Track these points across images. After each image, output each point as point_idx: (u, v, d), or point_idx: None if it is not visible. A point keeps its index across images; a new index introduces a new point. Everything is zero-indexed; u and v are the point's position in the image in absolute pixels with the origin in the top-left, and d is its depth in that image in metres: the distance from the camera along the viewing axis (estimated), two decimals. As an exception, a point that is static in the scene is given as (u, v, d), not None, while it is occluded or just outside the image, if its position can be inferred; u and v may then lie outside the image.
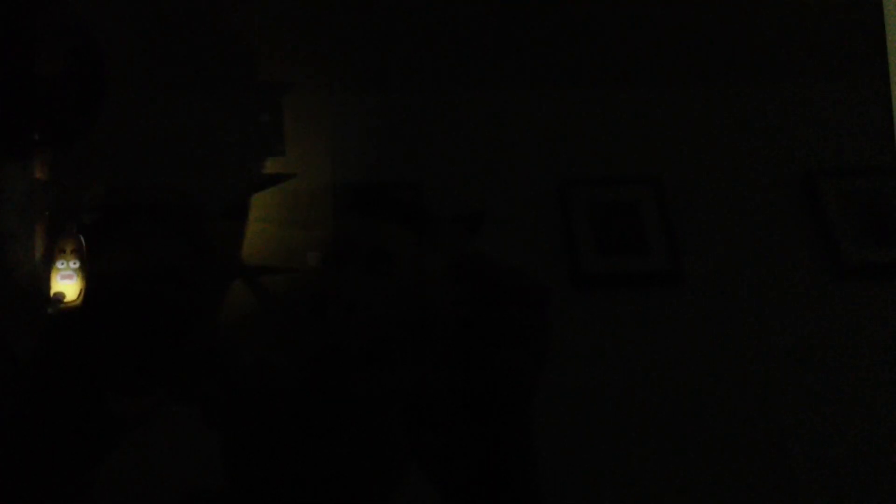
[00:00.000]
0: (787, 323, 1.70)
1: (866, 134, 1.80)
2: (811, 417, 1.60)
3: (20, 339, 0.84)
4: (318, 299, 0.42)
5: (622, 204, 1.80)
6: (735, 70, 1.80)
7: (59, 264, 0.47)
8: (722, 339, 1.71)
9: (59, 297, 0.45)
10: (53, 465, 0.46)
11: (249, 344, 0.42)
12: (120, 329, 0.42)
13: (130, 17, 1.59)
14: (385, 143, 1.80)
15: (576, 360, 1.68)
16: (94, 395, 0.44)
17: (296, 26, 1.69)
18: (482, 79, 1.82)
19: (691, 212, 1.79)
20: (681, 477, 1.58)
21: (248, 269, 0.46)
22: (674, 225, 1.81)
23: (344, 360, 0.42)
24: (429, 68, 1.79)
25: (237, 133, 1.78)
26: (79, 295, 0.45)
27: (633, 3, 1.71)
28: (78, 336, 0.43)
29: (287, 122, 1.79)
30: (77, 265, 0.46)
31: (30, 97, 0.81)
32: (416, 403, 0.43)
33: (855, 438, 1.56)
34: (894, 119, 1.54)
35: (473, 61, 1.81)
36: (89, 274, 0.43)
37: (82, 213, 0.44)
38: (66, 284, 0.46)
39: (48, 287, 0.49)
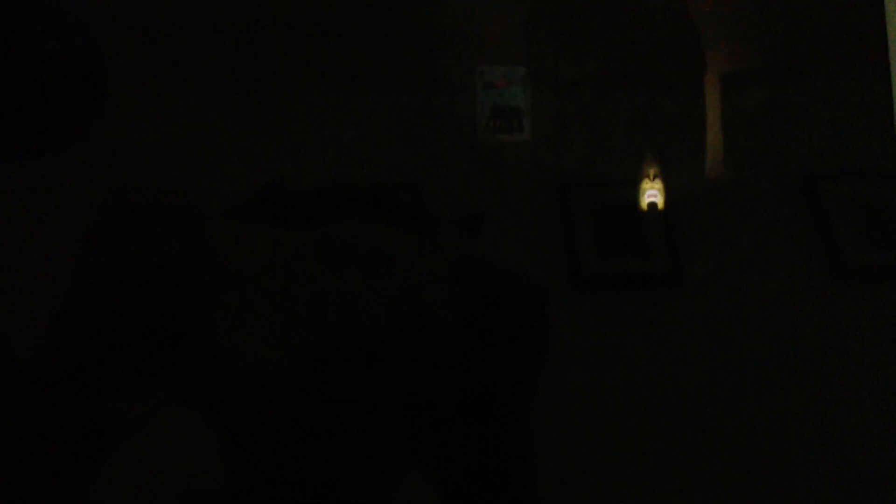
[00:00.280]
0: (788, 324, 1.70)
1: (867, 137, 1.80)
2: (812, 418, 1.60)
3: (20, 339, 0.84)
4: (317, 300, 0.42)
5: (622, 206, 1.80)
6: (736, 73, 1.80)
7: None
8: (722, 341, 1.71)
9: None
10: (53, 465, 0.46)
11: (249, 344, 0.42)
12: (120, 330, 0.42)
13: (131, 17, 1.60)
14: (385, 144, 1.80)
15: (576, 361, 1.68)
16: (93, 396, 0.44)
17: (295, 26, 1.69)
18: (482, 79, 1.82)
19: (692, 214, 1.79)
20: (681, 477, 1.59)
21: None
22: (674, 227, 1.81)
23: (343, 361, 0.42)
24: (428, 67, 1.79)
25: (238, 134, 1.78)
26: None
27: (634, 3, 1.71)
28: (78, 336, 0.43)
29: (288, 123, 1.79)
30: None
31: (30, 97, 0.81)
32: (416, 404, 0.43)
33: (856, 439, 1.56)
34: (895, 122, 1.53)
35: (473, 61, 1.81)
36: (90, 275, 0.43)
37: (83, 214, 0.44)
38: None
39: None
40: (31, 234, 1.61)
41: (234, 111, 1.80)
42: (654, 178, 1.71)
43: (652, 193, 1.71)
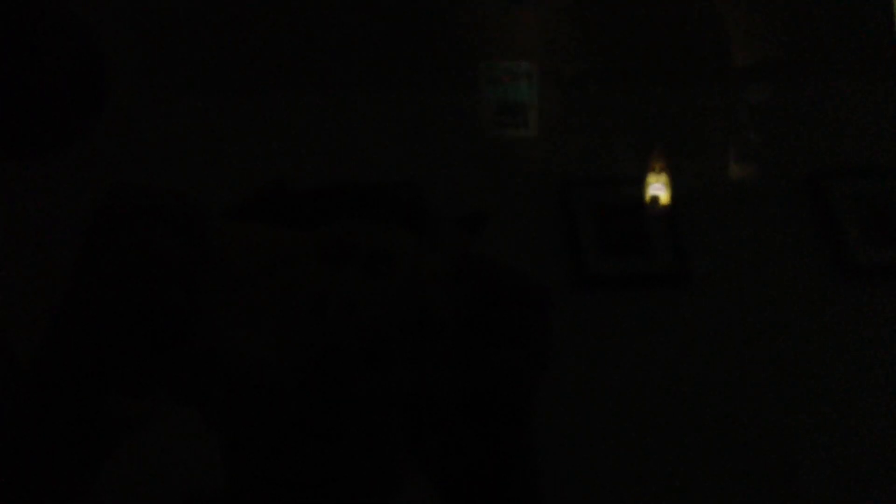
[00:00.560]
0: (793, 322, 1.70)
1: (873, 135, 1.80)
2: (818, 416, 1.60)
3: (20, 339, 0.84)
4: (317, 300, 0.42)
5: (626, 204, 1.79)
6: (743, 70, 1.79)
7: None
8: (727, 340, 1.71)
9: None
10: (54, 465, 0.46)
11: (250, 343, 0.42)
12: (120, 330, 0.42)
13: (131, 17, 1.59)
14: (387, 141, 1.80)
15: (579, 360, 1.68)
16: (94, 396, 0.44)
17: (297, 25, 1.69)
18: (488, 75, 1.82)
19: (696, 212, 1.78)
20: (683, 476, 1.58)
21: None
22: (678, 225, 1.81)
23: (344, 361, 0.42)
24: (430, 67, 1.79)
25: (238, 133, 1.78)
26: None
27: (642, 4, 1.70)
28: (79, 336, 0.43)
29: (288, 123, 1.79)
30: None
31: (30, 97, 0.81)
32: (417, 404, 0.43)
33: (861, 437, 1.56)
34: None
35: (473, 62, 1.81)
36: (90, 274, 0.43)
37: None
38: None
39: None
40: (31, 234, 1.61)
41: (234, 111, 1.81)
42: (660, 171, 1.71)
43: (657, 187, 1.71)
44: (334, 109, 1.79)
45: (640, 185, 1.72)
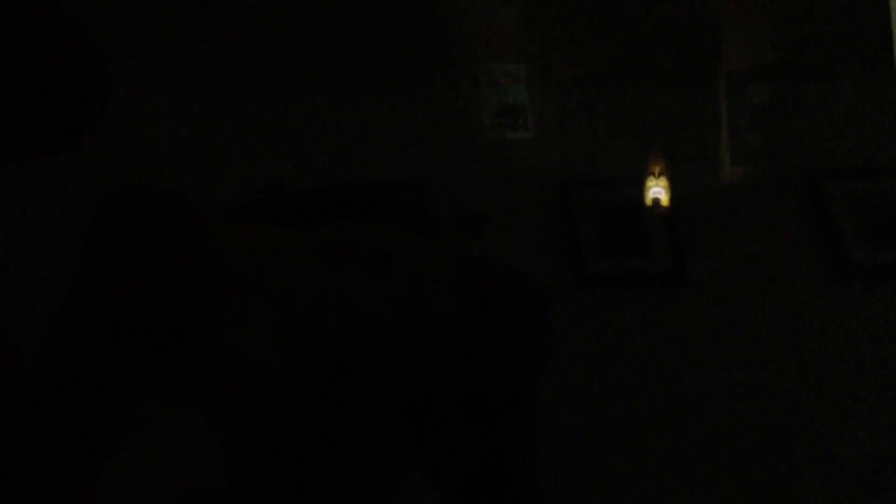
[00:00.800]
0: (791, 323, 1.70)
1: (871, 136, 1.80)
2: (815, 417, 1.60)
3: (21, 339, 0.84)
4: (318, 300, 0.42)
5: (626, 205, 1.79)
6: (741, 71, 1.79)
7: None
8: (725, 340, 1.71)
9: None
10: (55, 465, 0.46)
11: (251, 344, 0.42)
12: (122, 330, 0.42)
13: (131, 17, 1.59)
14: (387, 143, 1.80)
15: (579, 360, 1.68)
16: (95, 396, 0.44)
17: (297, 26, 1.69)
18: (487, 77, 1.81)
19: (695, 212, 1.78)
20: (682, 476, 1.58)
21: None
22: (677, 225, 1.80)
23: (344, 361, 0.42)
24: (430, 67, 1.79)
25: (239, 133, 1.78)
26: None
27: (640, 5, 1.70)
28: (80, 337, 0.43)
29: (288, 123, 1.78)
30: None
31: (30, 98, 0.81)
32: (417, 404, 0.43)
33: (859, 437, 1.56)
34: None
35: (473, 62, 1.81)
36: (91, 275, 0.43)
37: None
38: None
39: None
40: (32, 235, 1.61)
41: (234, 111, 1.81)
42: (659, 175, 1.71)
43: (657, 191, 1.71)
44: (336, 110, 1.79)
45: (640, 185, 1.73)
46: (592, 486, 1.51)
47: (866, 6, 1.62)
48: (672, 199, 1.72)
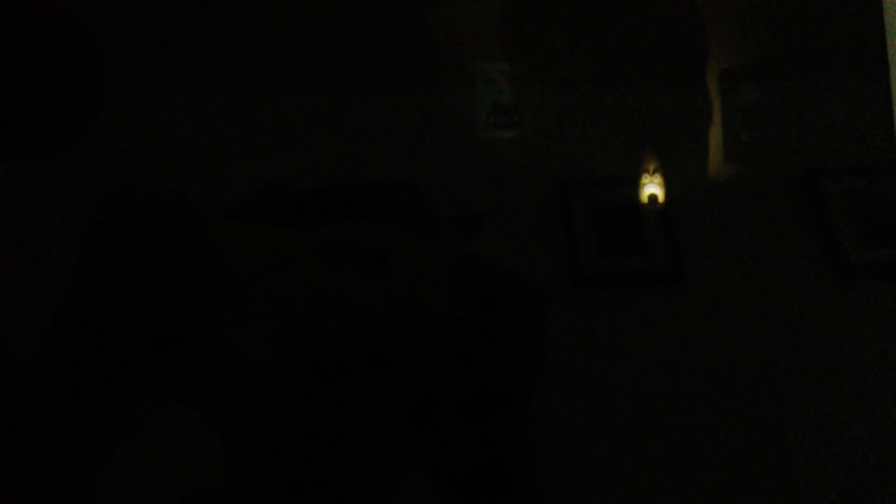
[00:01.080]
0: (788, 322, 1.69)
1: (867, 134, 1.79)
2: (812, 416, 1.60)
3: (20, 339, 0.84)
4: (317, 300, 0.42)
5: (623, 203, 1.79)
6: (736, 69, 1.79)
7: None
8: (723, 339, 1.71)
9: None
10: (54, 465, 0.46)
11: (250, 344, 0.42)
12: (121, 330, 0.42)
13: (131, 17, 1.59)
14: (383, 144, 1.80)
15: (577, 359, 1.68)
16: (95, 396, 0.44)
17: (294, 27, 1.69)
18: (482, 76, 1.81)
19: (692, 211, 1.78)
20: (681, 476, 1.58)
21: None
22: (674, 224, 1.80)
23: (343, 361, 0.42)
24: (427, 67, 1.79)
25: (237, 133, 1.78)
26: None
27: (634, 3, 1.71)
28: (79, 336, 0.43)
29: (285, 123, 1.78)
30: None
31: (28, 98, 0.81)
32: (416, 404, 0.43)
33: (856, 437, 1.56)
34: (895, 119, 1.53)
35: (473, 62, 1.81)
36: (91, 275, 0.43)
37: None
38: None
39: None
40: (31, 235, 1.61)
41: (233, 111, 1.81)
42: (654, 172, 1.71)
43: (651, 188, 1.71)
44: (333, 111, 1.79)
45: (636, 184, 1.73)
46: (592, 485, 1.51)
47: (859, 4, 1.63)
48: (668, 197, 1.72)
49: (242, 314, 0.42)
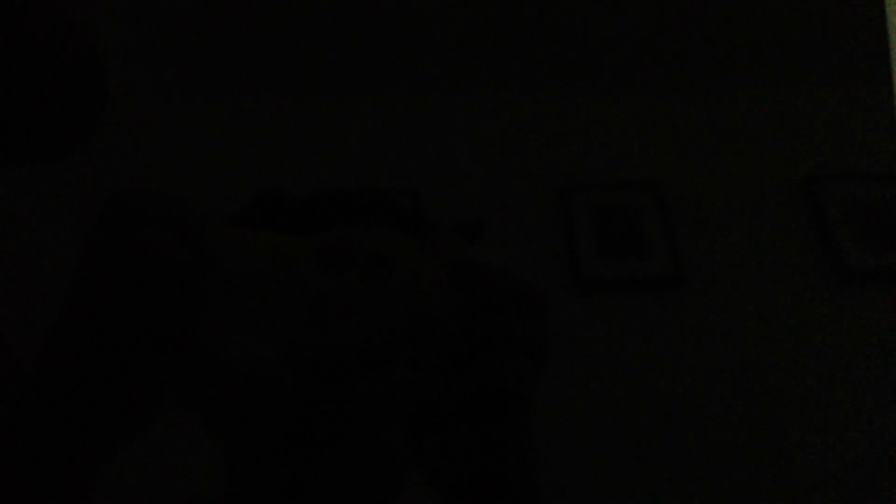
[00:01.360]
0: (788, 326, 1.70)
1: (867, 139, 1.80)
2: (814, 420, 1.60)
3: (21, 341, 0.84)
4: (317, 304, 0.42)
5: (623, 208, 1.79)
6: (736, 75, 1.80)
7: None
8: (723, 344, 1.71)
9: None
10: (55, 466, 0.46)
11: (249, 348, 0.42)
12: (122, 333, 0.42)
13: (131, 20, 1.59)
14: (383, 149, 1.80)
15: (577, 363, 1.68)
16: (95, 398, 0.44)
17: (295, 32, 1.69)
18: (482, 83, 1.82)
19: (692, 216, 1.79)
20: (681, 477, 1.58)
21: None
22: (675, 229, 1.81)
23: (343, 365, 0.42)
24: (428, 72, 1.79)
25: (238, 138, 1.78)
26: None
27: (634, 7, 1.71)
28: (80, 339, 0.43)
29: (285, 128, 1.79)
30: None
31: (29, 102, 0.81)
32: (416, 408, 0.43)
33: (857, 441, 1.56)
34: None
35: (473, 65, 1.81)
36: (92, 278, 0.43)
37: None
38: None
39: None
40: (32, 238, 1.62)
41: (233, 116, 1.81)
42: (656, 179, 1.71)
43: (652, 194, 1.71)
44: (333, 116, 1.79)
45: (637, 189, 1.73)
46: (591, 488, 1.51)
47: (861, 10, 1.63)
48: (669, 202, 1.72)
49: (243, 317, 0.43)
